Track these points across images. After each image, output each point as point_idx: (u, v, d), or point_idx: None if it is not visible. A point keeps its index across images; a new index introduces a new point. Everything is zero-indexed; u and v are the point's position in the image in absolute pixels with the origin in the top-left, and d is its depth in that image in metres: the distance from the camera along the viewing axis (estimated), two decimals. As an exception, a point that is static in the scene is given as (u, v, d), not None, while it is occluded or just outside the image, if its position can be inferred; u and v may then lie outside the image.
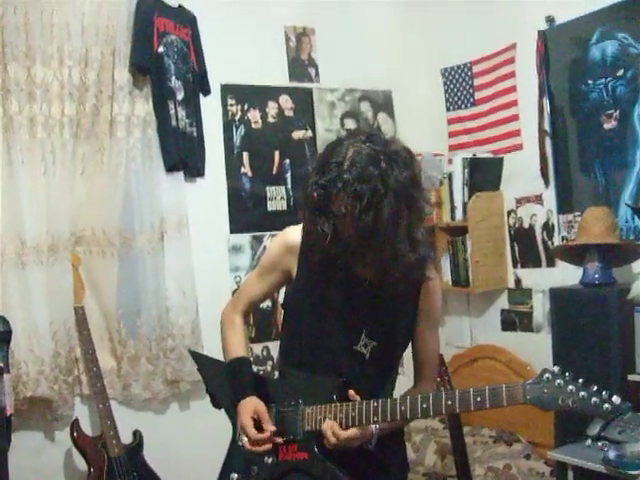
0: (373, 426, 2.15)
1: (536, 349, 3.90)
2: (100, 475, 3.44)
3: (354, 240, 2.04)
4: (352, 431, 2.11)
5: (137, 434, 3.67)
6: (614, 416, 1.88)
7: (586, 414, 1.86)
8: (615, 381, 3.12)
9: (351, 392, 2.14)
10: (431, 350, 2.38)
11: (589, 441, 3.06)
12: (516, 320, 4.22)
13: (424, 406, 2.03)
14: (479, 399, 1.93)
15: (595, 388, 1.85)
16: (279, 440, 2.24)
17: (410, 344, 2.37)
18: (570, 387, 1.85)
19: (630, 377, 3.11)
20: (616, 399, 1.83)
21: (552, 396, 1.86)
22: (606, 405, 1.82)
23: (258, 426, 2.23)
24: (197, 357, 2.71)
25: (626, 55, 3.49)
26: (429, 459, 4.03)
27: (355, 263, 2.17)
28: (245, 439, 2.25)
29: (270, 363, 4.15)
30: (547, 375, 1.87)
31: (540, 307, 4.05)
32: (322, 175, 2.03)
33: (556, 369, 1.88)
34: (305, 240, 2.20)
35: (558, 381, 1.86)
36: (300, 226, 2.27)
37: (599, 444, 3.01)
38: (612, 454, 2.83)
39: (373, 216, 1.96)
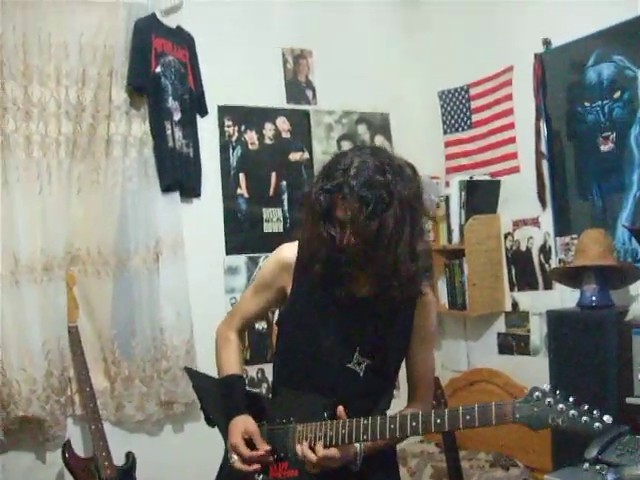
0: (357, 446, 2.12)
1: (533, 372, 3.86)
2: (92, 497, 3.40)
3: (357, 248, 2.04)
4: (331, 450, 2.07)
5: (130, 456, 3.62)
6: (605, 436, 1.85)
7: (576, 433, 1.83)
8: (613, 404, 3.08)
9: (340, 409, 2.11)
10: (426, 370, 2.36)
11: (587, 464, 3.01)
12: (513, 343, 4.19)
13: (413, 424, 2.00)
14: (468, 417, 1.90)
15: (586, 407, 1.81)
16: (270, 459, 2.21)
17: (404, 363, 2.34)
18: (560, 406, 1.82)
19: (628, 400, 3.07)
20: (607, 418, 1.79)
21: (541, 415, 1.83)
22: (597, 424, 1.79)
23: (250, 445, 2.20)
24: (192, 374, 2.69)
25: (622, 77, 3.50)
26: (425, 484, 3.99)
27: (353, 276, 2.16)
28: (235, 457, 2.22)
29: (265, 385, 4.11)
30: (537, 394, 1.84)
31: (537, 330, 4.03)
32: (327, 181, 2.04)
33: (546, 387, 1.85)
34: (306, 250, 2.19)
35: (548, 400, 1.83)
36: (295, 243, 2.27)
37: (597, 467, 2.96)
38: (610, 477, 2.77)
39: (378, 223, 1.98)
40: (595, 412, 1.81)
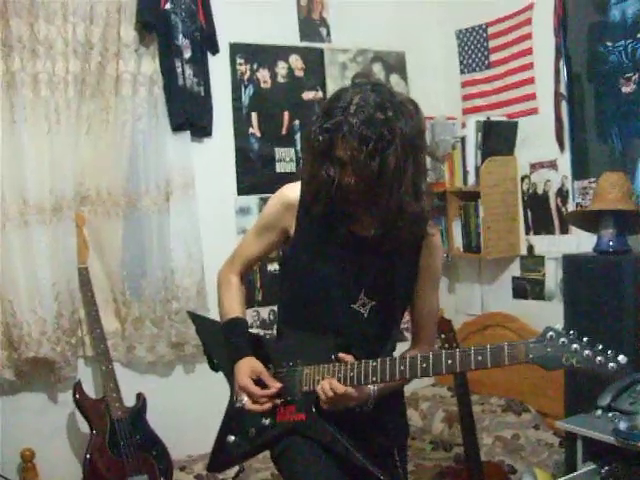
0: (371, 387, 2.10)
1: (548, 317, 3.73)
2: (102, 438, 3.41)
3: (358, 188, 2.00)
4: (350, 389, 2.05)
5: (140, 397, 3.64)
6: (619, 383, 1.81)
7: (590, 373, 1.79)
8: (628, 351, 2.99)
9: (341, 355, 2.09)
10: (430, 310, 2.33)
11: (599, 412, 2.98)
12: (528, 288, 4.14)
13: (424, 366, 1.97)
14: (480, 358, 1.87)
15: (600, 347, 1.78)
16: (277, 401, 2.19)
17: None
18: (574, 346, 1.78)
19: (644, 347, 3.03)
20: (622, 358, 1.76)
21: (555, 355, 1.79)
22: (611, 364, 1.76)
23: (259, 385, 2.19)
24: (195, 318, 2.68)
25: (647, 16, 3.38)
26: (436, 427, 3.99)
27: (357, 217, 2.13)
28: (245, 399, 2.21)
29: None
30: (550, 333, 1.81)
31: (552, 275, 3.98)
32: (327, 119, 1.98)
33: (560, 327, 1.81)
34: (307, 191, 2.14)
35: (562, 340, 1.79)
36: (298, 183, 2.22)
37: (609, 415, 2.93)
38: (623, 425, 2.76)
39: (379, 162, 1.93)
40: (610, 352, 1.78)
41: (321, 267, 2.19)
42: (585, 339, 1.79)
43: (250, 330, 2.45)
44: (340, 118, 1.94)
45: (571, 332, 1.80)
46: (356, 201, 2.05)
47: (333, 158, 1.99)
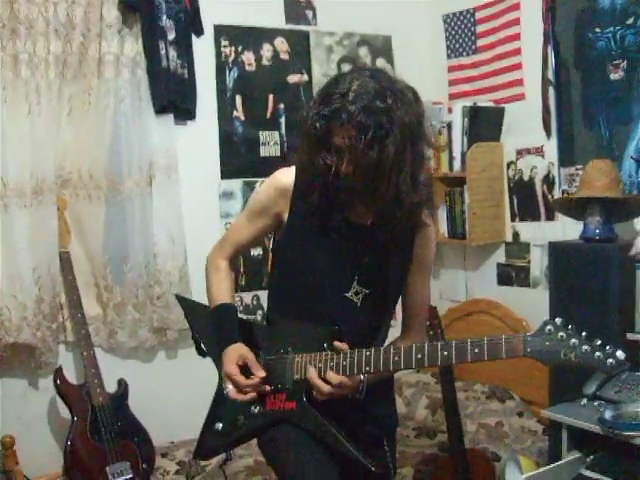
0: (361, 375, 2.08)
1: (532, 304, 3.83)
2: (84, 424, 3.37)
3: (356, 177, 1.96)
4: (343, 377, 2.03)
5: (122, 383, 3.60)
6: (617, 372, 1.79)
7: (589, 369, 1.77)
8: (614, 339, 3.02)
9: (337, 343, 2.06)
10: (422, 300, 2.31)
11: (584, 400, 3.00)
12: (513, 274, 4.14)
13: (419, 356, 1.94)
14: (477, 350, 1.85)
15: (599, 342, 1.76)
16: (267, 389, 2.16)
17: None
18: (573, 340, 1.76)
19: (629, 336, 3.02)
20: (620, 354, 1.74)
21: (554, 349, 1.77)
22: (610, 360, 1.74)
23: (245, 373, 2.16)
24: (184, 302, 2.63)
25: (636, 3, 3.35)
26: (420, 413, 3.99)
27: (353, 205, 2.09)
28: (230, 387, 2.17)
29: (260, 312, 4.08)
30: (549, 327, 1.78)
31: (538, 262, 3.97)
32: (324, 106, 1.93)
33: (558, 321, 1.79)
34: (302, 178, 2.10)
35: (560, 334, 1.77)
36: (292, 168, 2.18)
37: (595, 404, 2.95)
38: (608, 414, 2.77)
39: (378, 152, 1.89)
40: (608, 347, 1.76)
41: (314, 254, 2.16)
42: (584, 333, 1.77)
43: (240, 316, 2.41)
44: (338, 105, 1.89)
45: (570, 326, 1.78)
46: (353, 190, 2.01)
47: (330, 146, 1.95)
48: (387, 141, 1.88)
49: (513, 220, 4.11)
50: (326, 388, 2.03)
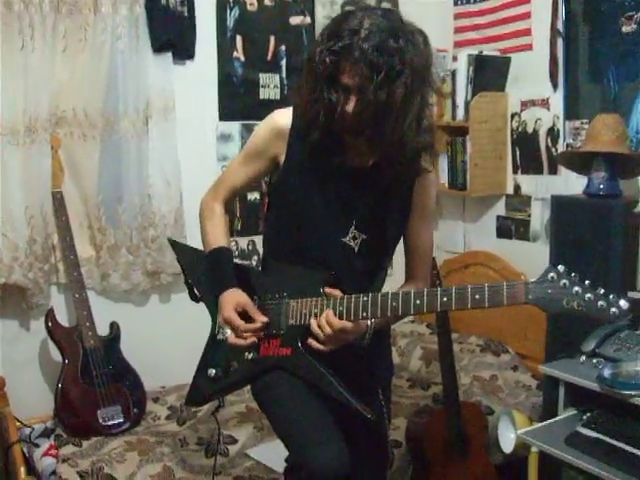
0: (368, 321, 2.04)
1: (531, 258, 3.78)
2: (75, 366, 3.35)
3: (361, 117, 1.90)
4: (347, 322, 1.98)
5: (114, 326, 3.56)
6: (620, 322, 1.75)
7: (591, 318, 1.72)
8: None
9: (328, 290, 2.03)
10: (425, 247, 2.26)
11: (583, 357, 2.96)
12: (512, 227, 4.08)
13: (417, 302, 1.90)
14: (478, 297, 1.80)
15: (602, 291, 1.72)
16: (261, 334, 2.13)
17: (402, 240, 2.25)
18: (576, 288, 1.72)
19: (630, 294, 2.94)
20: (624, 303, 1.70)
21: (556, 297, 1.73)
22: (613, 309, 1.70)
23: (243, 318, 2.12)
24: (177, 246, 2.58)
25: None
26: (414, 364, 3.97)
27: (353, 148, 2.04)
28: (228, 332, 2.14)
29: (256, 257, 4.05)
30: (552, 274, 1.73)
31: (538, 215, 3.92)
32: (334, 41, 1.86)
33: (561, 269, 1.74)
34: (303, 116, 2.03)
35: (563, 281, 1.72)
36: (289, 109, 2.12)
37: (594, 361, 2.91)
38: (607, 372, 2.73)
39: (387, 93, 1.84)
40: (612, 297, 1.72)
41: (312, 198, 2.11)
42: (587, 282, 1.72)
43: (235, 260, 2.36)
44: (349, 41, 1.83)
45: (573, 274, 1.73)
46: (356, 131, 1.96)
47: (338, 83, 1.89)
48: (397, 83, 1.84)
49: (515, 172, 4.04)
50: (327, 331, 1.98)
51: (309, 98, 1.96)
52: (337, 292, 2.02)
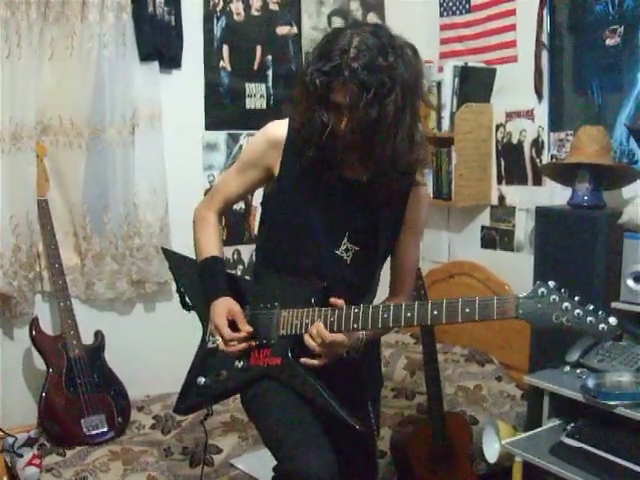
0: (360, 333, 2.05)
1: (515, 269, 3.81)
2: (59, 375, 3.32)
3: (354, 135, 1.94)
4: (338, 335, 2.00)
5: (99, 335, 3.54)
6: (608, 338, 1.77)
7: (580, 333, 1.75)
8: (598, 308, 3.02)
9: (332, 299, 2.02)
10: (412, 262, 2.30)
11: (567, 367, 2.99)
12: (497, 238, 4.11)
13: (408, 315, 1.91)
14: (468, 310, 1.82)
15: (591, 307, 1.74)
16: (252, 343, 2.13)
17: (389, 255, 2.27)
18: (565, 304, 1.74)
19: (614, 304, 2.98)
20: (613, 320, 1.73)
21: (546, 312, 1.75)
22: (602, 325, 1.72)
23: (233, 327, 2.13)
24: (169, 254, 2.58)
25: (636, -34, 3.29)
26: (398, 374, 3.97)
27: (348, 162, 2.06)
28: (219, 339, 2.15)
29: (241, 267, 4.03)
30: (542, 290, 1.75)
31: (523, 226, 3.94)
32: (325, 62, 1.88)
33: (551, 284, 1.76)
34: (298, 136, 2.06)
35: (553, 297, 1.74)
36: (285, 121, 2.14)
37: (577, 371, 2.94)
38: (591, 382, 2.75)
39: (378, 110, 1.87)
40: (600, 313, 1.74)
41: (306, 209, 2.12)
42: (576, 298, 1.74)
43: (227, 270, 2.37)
44: (339, 61, 1.86)
45: (563, 290, 1.75)
46: (349, 147, 1.99)
47: (330, 103, 1.92)
48: (388, 100, 1.86)
49: (500, 183, 4.07)
50: (318, 342, 1.99)
51: (303, 118, 1.99)
52: (341, 302, 2.03)
